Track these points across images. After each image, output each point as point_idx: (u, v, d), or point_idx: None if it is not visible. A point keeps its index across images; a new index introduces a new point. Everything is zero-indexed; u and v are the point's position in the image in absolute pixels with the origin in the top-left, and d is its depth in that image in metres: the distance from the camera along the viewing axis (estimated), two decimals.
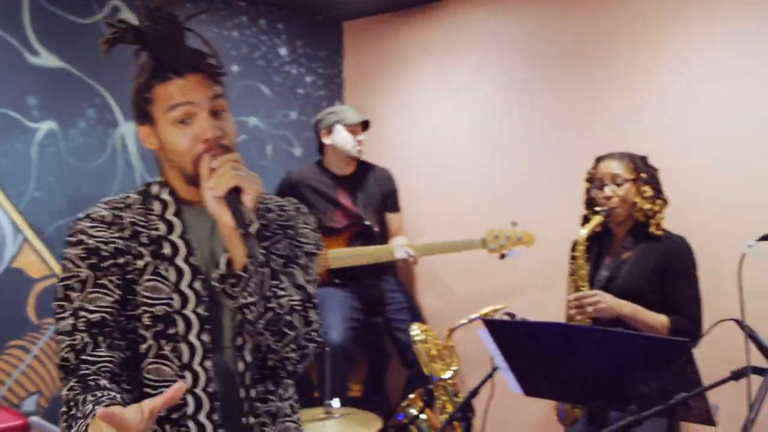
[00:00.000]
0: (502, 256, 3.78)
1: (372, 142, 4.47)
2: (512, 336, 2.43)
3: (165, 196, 1.70)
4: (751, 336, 1.74)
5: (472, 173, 4.32)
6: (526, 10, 4.12)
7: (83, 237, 1.63)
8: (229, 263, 1.58)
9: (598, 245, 3.17)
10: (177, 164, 1.66)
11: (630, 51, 3.73)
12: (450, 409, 3.32)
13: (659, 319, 2.92)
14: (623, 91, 3.74)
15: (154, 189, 1.72)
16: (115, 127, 3.96)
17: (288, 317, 1.63)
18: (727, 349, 2.82)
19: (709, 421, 2.16)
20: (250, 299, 1.58)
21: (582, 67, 3.89)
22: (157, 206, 1.69)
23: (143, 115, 1.66)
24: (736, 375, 1.78)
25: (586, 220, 3.23)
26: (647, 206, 3.04)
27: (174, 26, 1.61)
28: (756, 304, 2.68)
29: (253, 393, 1.68)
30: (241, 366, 1.67)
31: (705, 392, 1.97)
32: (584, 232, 3.06)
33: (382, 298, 4.21)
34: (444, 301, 4.48)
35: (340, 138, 4.18)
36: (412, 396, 3.40)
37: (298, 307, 1.66)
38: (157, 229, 1.67)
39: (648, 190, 3.06)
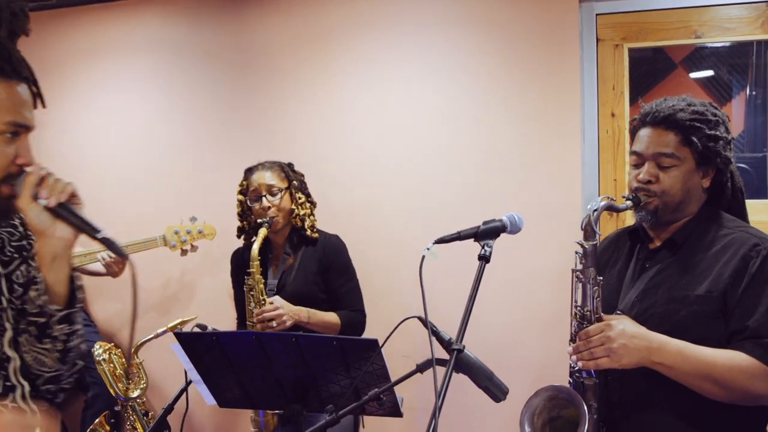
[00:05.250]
0: (184, 252, 3.68)
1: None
2: (205, 348, 2.39)
3: None
4: (433, 331, 1.88)
5: (148, 182, 4.16)
6: (196, 18, 4.07)
7: None
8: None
9: (261, 257, 3.20)
10: None
11: (289, 63, 3.88)
12: (141, 429, 3.17)
13: (331, 318, 3.11)
14: (288, 97, 3.88)
15: None
16: None
17: None
18: (405, 344, 3.07)
19: (396, 412, 2.31)
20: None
21: (250, 75, 3.96)
22: None
23: None
24: (421, 368, 1.91)
25: (241, 231, 3.29)
26: (303, 212, 3.19)
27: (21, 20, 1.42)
28: (436, 301, 2.94)
29: None
30: None
31: (394, 386, 2.10)
32: (255, 247, 3.09)
33: None
34: (119, 317, 4.24)
35: None
36: (96, 421, 3.18)
37: None
38: None
39: (301, 197, 3.22)
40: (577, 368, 2.04)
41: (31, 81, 1.50)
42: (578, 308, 2.04)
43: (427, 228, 3.58)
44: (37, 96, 1.52)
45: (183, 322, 3.03)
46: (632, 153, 2.15)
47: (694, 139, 2.05)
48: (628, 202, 2.10)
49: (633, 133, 2.20)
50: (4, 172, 1.46)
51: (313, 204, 3.29)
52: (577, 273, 2.05)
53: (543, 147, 3.48)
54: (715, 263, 2.01)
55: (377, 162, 3.72)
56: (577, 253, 2.05)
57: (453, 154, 3.61)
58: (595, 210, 2.04)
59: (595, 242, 2.03)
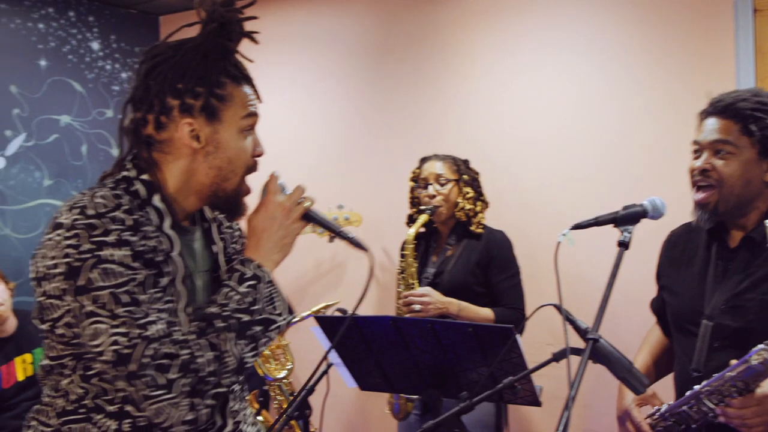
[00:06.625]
0: (332, 239, 3.75)
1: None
2: (344, 332, 2.44)
3: (158, 203, 1.53)
4: (568, 319, 1.83)
5: (296, 172, 4.29)
6: (345, 10, 4.15)
7: (118, 236, 1.41)
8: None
9: (425, 244, 3.26)
10: (223, 173, 1.57)
11: (446, 53, 3.87)
12: None
13: (484, 314, 3.05)
14: (444, 92, 3.88)
15: (141, 191, 1.53)
16: None
17: None
18: (546, 332, 3.01)
19: (535, 402, 2.27)
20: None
21: (404, 68, 3.99)
22: (153, 215, 1.52)
23: (207, 109, 1.52)
24: (557, 357, 1.86)
25: (411, 219, 3.32)
26: (468, 206, 3.16)
27: (241, 26, 1.59)
28: (572, 288, 2.87)
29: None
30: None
31: (530, 375, 2.07)
32: (412, 231, 3.15)
33: None
34: None
35: None
36: (247, 397, 3.34)
37: None
38: (159, 242, 1.50)
39: (470, 192, 3.19)
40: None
41: (250, 80, 1.63)
42: (732, 380, 1.88)
43: (566, 212, 3.48)
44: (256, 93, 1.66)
45: (326, 306, 3.12)
46: (693, 143, 2.06)
47: (754, 128, 1.95)
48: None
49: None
50: (245, 165, 1.60)
51: (484, 203, 3.26)
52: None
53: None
54: None
55: (519, 146, 3.67)
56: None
57: (597, 137, 3.50)
58: None
59: None
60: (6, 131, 4.03)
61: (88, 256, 1.39)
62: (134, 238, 1.44)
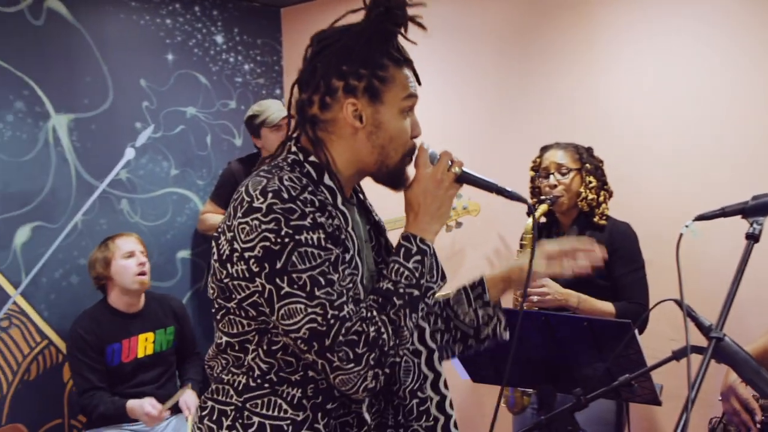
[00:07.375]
0: (449, 228, 3.73)
1: None
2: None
3: (328, 182, 1.61)
4: (690, 315, 1.73)
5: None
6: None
7: (313, 219, 1.48)
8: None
9: (545, 234, 3.19)
10: (385, 151, 1.64)
11: (569, 42, 3.76)
12: None
13: (605, 308, 2.93)
14: (565, 80, 3.77)
15: (312, 172, 1.60)
16: (46, 120, 3.83)
17: None
18: (669, 328, 2.88)
19: (655, 400, 2.18)
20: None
21: (529, 57, 3.89)
22: (326, 193, 1.58)
23: (369, 90, 1.59)
24: (677, 355, 1.78)
25: (529, 208, 3.24)
26: (591, 196, 3.05)
27: (405, 11, 1.63)
28: (696, 282, 2.72)
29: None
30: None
31: (649, 372, 1.98)
32: (531, 221, 3.06)
33: None
34: None
35: (267, 141, 4.02)
36: None
37: None
38: (336, 218, 1.56)
39: (593, 181, 3.07)
40: None
41: (410, 63, 1.68)
42: None
43: (691, 202, 3.30)
44: (416, 76, 1.70)
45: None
46: None
47: None
48: None
49: None
50: (406, 146, 1.66)
51: (608, 193, 3.15)
52: None
53: None
54: None
55: (643, 135, 3.53)
56: None
57: (724, 125, 3.31)
58: None
59: None
60: (136, 123, 4.22)
61: (287, 240, 1.45)
62: (323, 219, 1.50)
